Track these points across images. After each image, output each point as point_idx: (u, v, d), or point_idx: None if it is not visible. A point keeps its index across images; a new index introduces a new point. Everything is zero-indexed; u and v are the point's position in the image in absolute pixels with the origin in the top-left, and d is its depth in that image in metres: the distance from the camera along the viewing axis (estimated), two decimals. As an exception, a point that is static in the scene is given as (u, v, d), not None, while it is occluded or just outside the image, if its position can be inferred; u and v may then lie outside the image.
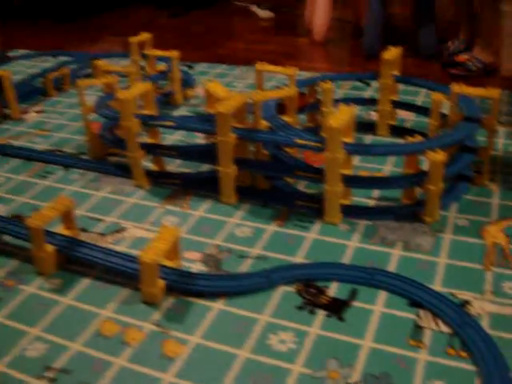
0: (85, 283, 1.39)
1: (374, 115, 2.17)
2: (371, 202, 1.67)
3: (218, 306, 1.29)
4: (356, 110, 1.57)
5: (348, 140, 1.53)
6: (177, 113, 2.32)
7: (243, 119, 1.63)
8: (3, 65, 3.18)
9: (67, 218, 1.48)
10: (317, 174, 1.56)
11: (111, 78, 1.95)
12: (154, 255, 1.25)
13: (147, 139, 1.84)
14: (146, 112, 1.80)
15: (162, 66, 2.48)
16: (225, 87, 1.77)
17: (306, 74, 2.52)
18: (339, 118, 1.46)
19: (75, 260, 1.44)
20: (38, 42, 3.59)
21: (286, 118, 1.72)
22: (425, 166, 1.53)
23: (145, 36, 2.67)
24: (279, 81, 2.59)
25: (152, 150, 1.79)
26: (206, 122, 1.72)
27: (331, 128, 1.42)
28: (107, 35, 3.72)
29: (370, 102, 2.20)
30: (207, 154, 1.76)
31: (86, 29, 3.92)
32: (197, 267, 1.42)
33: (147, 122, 1.74)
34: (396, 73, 1.99)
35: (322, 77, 2.14)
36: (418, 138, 1.57)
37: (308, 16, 3.37)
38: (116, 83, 1.94)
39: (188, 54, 2.36)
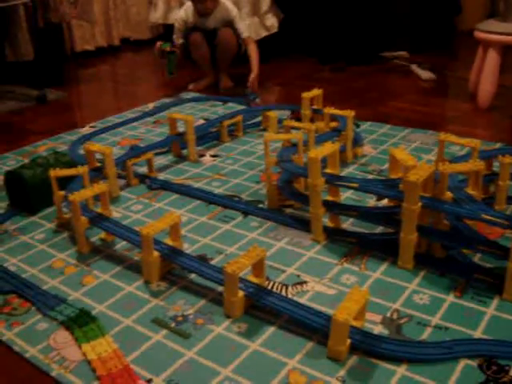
0: (270, 331, 1.48)
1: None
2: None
3: (401, 370, 1.33)
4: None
5: (537, 221, 1.53)
6: (347, 170, 2.39)
7: (429, 188, 1.67)
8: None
9: (258, 266, 1.58)
10: (500, 251, 1.57)
11: (297, 135, 2.06)
12: (347, 315, 1.32)
13: (328, 197, 1.91)
14: (330, 171, 1.88)
15: (333, 123, 2.57)
16: (410, 154, 1.83)
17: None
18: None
19: (260, 306, 1.54)
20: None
21: (470, 191, 1.75)
22: None
23: (316, 92, 2.80)
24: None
25: (332, 207, 1.87)
26: (389, 187, 1.78)
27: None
28: (270, 85, 3.90)
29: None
30: (386, 217, 1.82)
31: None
32: (378, 329, 1.47)
33: (332, 182, 1.82)
34: None
35: (501, 149, 2.15)
36: None
37: (473, 81, 3.37)
38: (301, 140, 2.04)
39: (351, 110, 2.44)
